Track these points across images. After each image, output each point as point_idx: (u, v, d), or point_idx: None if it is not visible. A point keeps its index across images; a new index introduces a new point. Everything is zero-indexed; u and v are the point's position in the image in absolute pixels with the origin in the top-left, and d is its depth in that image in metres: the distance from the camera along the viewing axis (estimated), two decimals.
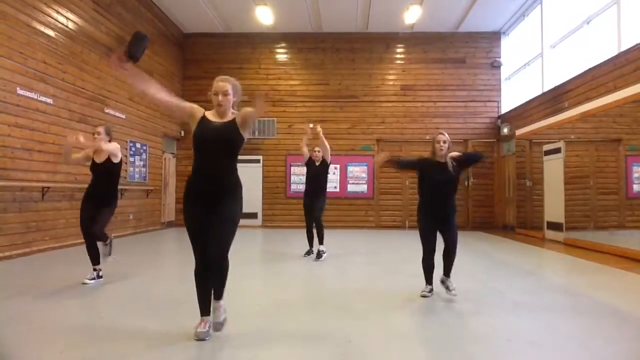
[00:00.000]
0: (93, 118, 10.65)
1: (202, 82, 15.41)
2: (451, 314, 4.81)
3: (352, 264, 8.29)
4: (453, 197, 5.58)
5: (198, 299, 3.91)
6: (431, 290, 5.56)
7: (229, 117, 3.98)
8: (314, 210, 8.63)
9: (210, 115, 3.99)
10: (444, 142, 5.62)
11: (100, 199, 6.19)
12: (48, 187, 9.09)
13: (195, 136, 3.88)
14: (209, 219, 3.79)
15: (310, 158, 8.83)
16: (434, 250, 5.51)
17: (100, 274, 6.24)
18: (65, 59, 9.78)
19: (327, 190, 8.96)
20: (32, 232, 8.75)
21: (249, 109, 3.91)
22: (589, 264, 8.26)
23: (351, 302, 5.26)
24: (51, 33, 9.35)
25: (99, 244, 6.23)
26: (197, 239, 3.85)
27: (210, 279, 3.93)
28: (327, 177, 8.81)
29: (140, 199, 13.14)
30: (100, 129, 6.27)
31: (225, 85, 3.98)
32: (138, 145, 12.94)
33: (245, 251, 9.76)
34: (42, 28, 9.08)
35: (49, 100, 9.24)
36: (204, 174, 3.85)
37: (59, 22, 9.60)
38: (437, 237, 5.47)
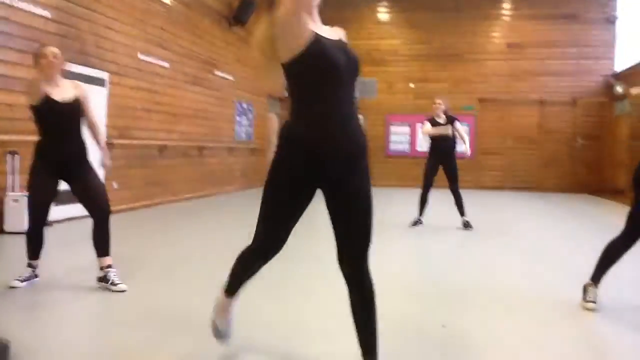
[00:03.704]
0: (204, 80, 11.34)
1: None
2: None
3: (466, 238, 7.10)
4: None
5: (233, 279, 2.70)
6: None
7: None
8: (449, 178, 7.53)
9: (320, 29, 2.33)
10: None
11: (78, 157, 4.12)
12: (165, 145, 9.86)
13: (317, 65, 2.25)
14: (335, 195, 2.38)
15: (431, 117, 7.71)
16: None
17: (37, 272, 4.14)
18: (180, 25, 10.41)
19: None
20: (151, 186, 9.59)
21: None
22: None
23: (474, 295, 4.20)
24: (168, 1, 9.97)
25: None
26: (288, 213, 2.43)
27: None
28: (455, 136, 7.60)
29: (246, 157, 13.84)
30: (57, 50, 4.08)
31: None
32: (245, 106, 13.56)
33: None
34: None
35: (166, 64, 9.93)
36: (333, 118, 2.29)
37: None
38: None
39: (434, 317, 3.62)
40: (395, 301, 3.79)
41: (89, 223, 4.08)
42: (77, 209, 5.09)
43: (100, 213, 4.07)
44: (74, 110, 4.06)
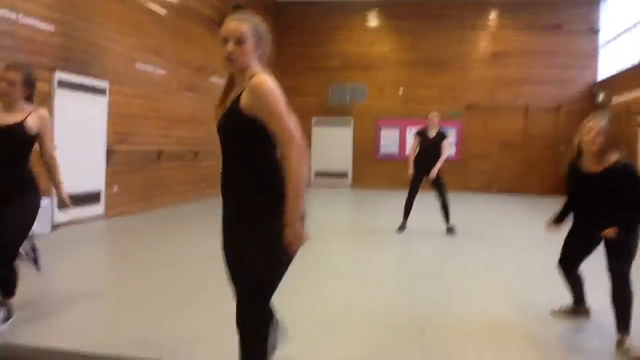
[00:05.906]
0: (199, 85, 11.74)
1: (298, 49, 16.12)
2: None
3: (454, 245, 7.31)
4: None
5: None
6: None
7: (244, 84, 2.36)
8: (437, 190, 7.80)
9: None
10: (598, 133, 3.55)
11: (10, 187, 3.50)
12: (162, 150, 10.23)
13: None
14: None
15: (423, 129, 7.94)
16: (572, 267, 4.06)
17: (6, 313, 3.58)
18: (174, 33, 10.78)
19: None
20: (150, 189, 9.95)
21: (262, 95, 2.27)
22: None
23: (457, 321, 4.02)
24: (162, 11, 10.33)
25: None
26: None
27: None
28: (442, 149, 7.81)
29: None
30: (15, 75, 3.51)
31: (240, 25, 2.32)
32: None
33: (332, 223, 9.68)
34: (155, 7, 10.06)
35: (162, 72, 10.30)
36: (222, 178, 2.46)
37: (167, 0, 10.56)
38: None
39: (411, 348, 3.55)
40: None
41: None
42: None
43: None
44: (9, 136, 3.48)
